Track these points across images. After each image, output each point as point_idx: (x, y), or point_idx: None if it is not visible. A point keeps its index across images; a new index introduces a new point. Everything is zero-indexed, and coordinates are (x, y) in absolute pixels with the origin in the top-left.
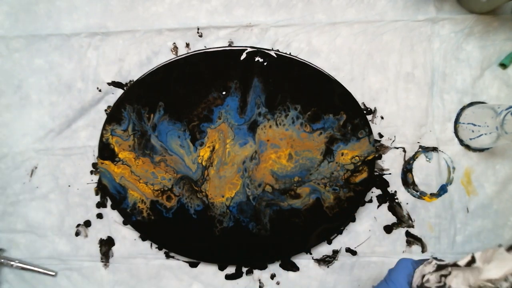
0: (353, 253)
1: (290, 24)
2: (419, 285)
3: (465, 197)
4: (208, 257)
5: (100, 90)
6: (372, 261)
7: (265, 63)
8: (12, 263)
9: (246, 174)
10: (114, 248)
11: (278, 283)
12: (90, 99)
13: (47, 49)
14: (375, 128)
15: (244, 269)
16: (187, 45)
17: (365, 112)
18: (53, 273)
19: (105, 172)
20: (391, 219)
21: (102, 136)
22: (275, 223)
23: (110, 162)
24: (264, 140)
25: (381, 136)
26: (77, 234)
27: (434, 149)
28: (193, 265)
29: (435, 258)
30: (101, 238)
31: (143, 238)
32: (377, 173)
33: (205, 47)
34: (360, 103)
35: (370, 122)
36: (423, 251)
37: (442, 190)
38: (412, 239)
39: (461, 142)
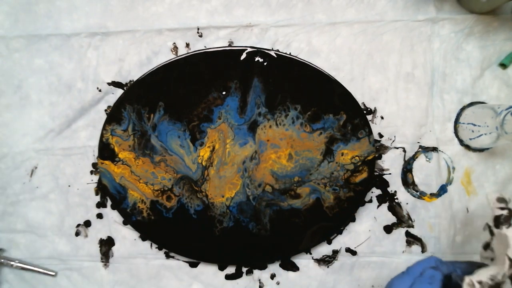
0: (353, 253)
1: (290, 24)
2: None
3: (465, 197)
4: (208, 257)
5: (100, 90)
6: (372, 261)
7: (265, 63)
8: (12, 263)
9: (246, 174)
10: (114, 248)
11: (278, 283)
12: (90, 99)
13: (47, 49)
14: (375, 128)
15: (244, 269)
16: (187, 45)
17: (365, 112)
18: (53, 273)
19: (105, 172)
20: (391, 219)
21: (102, 136)
22: (275, 223)
23: (110, 162)
24: (264, 140)
25: (381, 136)
26: (77, 234)
27: (434, 149)
28: (193, 265)
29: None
30: (101, 238)
31: (143, 238)
32: (377, 173)
33: (205, 47)
34: (360, 103)
35: (370, 122)
36: (423, 251)
37: (442, 190)
38: (412, 239)
39: (461, 142)
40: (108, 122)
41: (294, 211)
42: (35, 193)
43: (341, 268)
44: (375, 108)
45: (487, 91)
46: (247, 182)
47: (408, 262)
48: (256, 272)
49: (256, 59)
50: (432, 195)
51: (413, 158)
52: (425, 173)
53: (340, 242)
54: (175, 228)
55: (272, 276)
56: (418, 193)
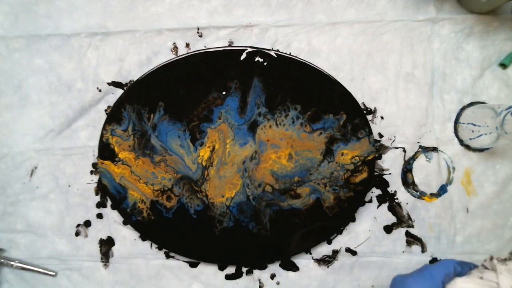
0: (353, 253)
1: (290, 24)
2: None
3: (465, 197)
4: (208, 257)
5: (100, 90)
6: (372, 261)
7: (265, 63)
8: (12, 263)
9: (246, 174)
10: (114, 248)
11: (278, 283)
12: (90, 99)
13: (47, 49)
14: (375, 128)
15: (244, 269)
16: (187, 45)
17: (365, 112)
18: (53, 273)
19: (105, 172)
20: (391, 219)
21: (102, 136)
22: (275, 223)
23: (110, 162)
24: (264, 140)
25: (381, 136)
26: (77, 234)
27: (434, 149)
28: (193, 265)
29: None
30: (101, 238)
31: (143, 238)
32: (377, 173)
33: (205, 47)
34: (360, 103)
35: (370, 122)
36: (423, 251)
37: (442, 190)
38: (412, 239)
39: (461, 142)
40: (108, 122)
41: (294, 211)
42: (35, 193)
43: (341, 268)
44: (375, 108)
45: (487, 91)
46: (247, 182)
47: (408, 262)
48: (256, 272)
49: (256, 59)
50: (432, 195)
51: (413, 158)
52: (425, 173)
53: (340, 242)
54: (175, 228)
55: (272, 276)
56: (418, 193)
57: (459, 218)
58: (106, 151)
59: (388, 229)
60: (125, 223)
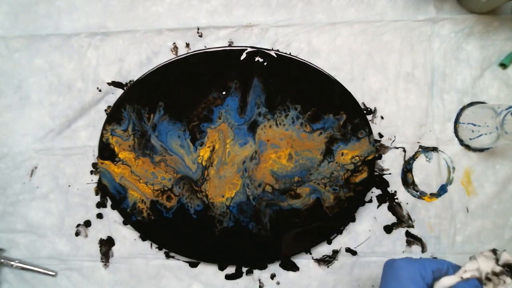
0: (353, 253)
1: (290, 24)
2: None
3: (465, 197)
4: (208, 257)
5: (100, 90)
6: (372, 261)
7: (265, 63)
8: (12, 263)
9: (246, 174)
10: (114, 248)
11: (278, 283)
12: (90, 99)
13: (47, 49)
14: (375, 128)
15: (244, 269)
16: (187, 45)
17: (365, 112)
18: (53, 273)
19: (105, 172)
20: (391, 219)
21: (102, 136)
22: (275, 223)
23: (110, 162)
24: (264, 140)
25: (381, 136)
26: (77, 234)
27: (434, 149)
28: (193, 265)
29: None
30: (101, 238)
31: (143, 238)
32: (377, 173)
33: (205, 47)
34: (360, 103)
35: (370, 122)
36: (423, 251)
37: (442, 190)
38: (412, 239)
39: (461, 142)
40: (108, 122)
41: (294, 211)
42: (35, 193)
43: (341, 268)
44: (375, 108)
45: (487, 91)
46: (247, 182)
47: None
48: (256, 272)
49: (256, 59)
50: (432, 195)
51: (413, 158)
52: (425, 173)
53: (340, 242)
54: (175, 228)
55: (272, 276)
56: (418, 193)
57: (459, 218)
58: (106, 151)
59: (388, 229)
60: (125, 223)
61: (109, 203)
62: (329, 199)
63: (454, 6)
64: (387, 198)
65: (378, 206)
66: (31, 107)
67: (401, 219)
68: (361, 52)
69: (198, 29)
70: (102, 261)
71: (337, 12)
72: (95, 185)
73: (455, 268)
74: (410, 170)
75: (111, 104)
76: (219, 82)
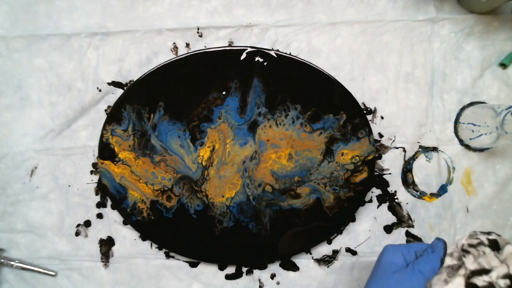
0: (353, 253)
1: (290, 24)
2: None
3: (465, 197)
4: (208, 257)
5: (100, 90)
6: (372, 261)
7: (265, 63)
8: (12, 263)
9: (246, 174)
10: (114, 248)
11: (278, 283)
12: (90, 99)
13: (47, 49)
14: (375, 128)
15: (244, 269)
16: (187, 45)
17: (365, 112)
18: (53, 273)
19: (105, 172)
20: (391, 219)
21: (102, 136)
22: (275, 223)
23: (110, 162)
24: (264, 140)
25: (381, 136)
26: (77, 234)
27: (434, 149)
28: (193, 265)
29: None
30: (101, 238)
31: (143, 238)
32: (377, 173)
33: (205, 47)
34: (360, 103)
35: (370, 122)
36: None
37: (442, 190)
38: (412, 239)
39: (461, 142)
40: (108, 122)
41: (294, 211)
42: (35, 193)
43: (341, 268)
44: (375, 108)
45: (487, 91)
46: (247, 182)
47: None
48: (256, 272)
49: (256, 59)
50: (432, 195)
51: (413, 158)
52: (425, 173)
53: (340, 242)
54: (175, 228)
55: (272, 276)
56: (418, 193)
57: (459, 218)
58: (106, 151)
59: (388, 229)
60: (125, 223)
61: (109, 203)
62: (329, 199)
63: (454, 6)
64: (387, 198)
65: (378, 206)
66: (31, 107)
67: (401, 219)
68: (361, 52)
69: (198, 29)
70: (102, 261)
71: (337, 12)
72: (95, 185)
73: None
74: (410, 170)
75: (111, 104)
76: (219, 82)
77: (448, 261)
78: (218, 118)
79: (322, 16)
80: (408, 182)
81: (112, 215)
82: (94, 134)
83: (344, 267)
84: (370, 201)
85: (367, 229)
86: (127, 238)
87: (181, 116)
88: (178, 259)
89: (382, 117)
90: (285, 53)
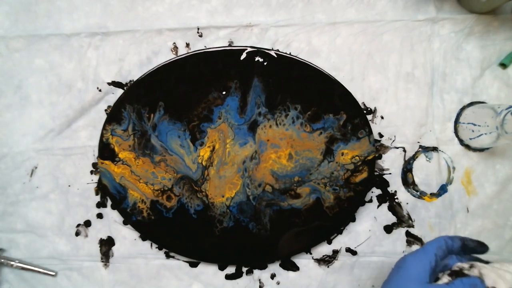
0: (353, 253)
1: (290, 24)
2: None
3: (465, 197)
4: (208, 257)
5: (100, 90)
6: (372, 261)
7: (265, 63)
8: (12, 263)
9: (246, 174)
10: (114, 248)
11: (278, 283)
12: (90, 99)
13: (47, 49)
14: (375, 128)
15: (244, 269)
16: (187, 45)
17: (365, 112)
18: (53, 273)
19: (105, 172)
20: (391, 219)
21: (102, 136)
22: (275, 223)
23: (110, 162)
24: (264, 140)
25: (381, 136)
26: (77, 234)
27: (434, 149)
28: (193, 265)
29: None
30: (101, 238)
31: (143, 238)
32: (377, 173)
33: (205, 47)
34: (360, 103)
35: (370, 122)
36: None
37: (442, 190)
38: (412, 239)
39: (461, 142)
40: (108, 122)
41: (294, 211)
42: (35, 193)
43: (341, 268)
44: (375, 108)
45: (487, 91)
46: (247, 182)
47: None
48: (256, 272)
49: (256, 59)
50: (432, 195)
51: (413, 158)
52: (425, 173)
53: (340, 242)
54: (175, 228)
55: (272, 276)
56: (418, 193)
57: (459, 218)
58: (106, 151)
59: (388, 229)
60: (125, 223)
61: (109, 203)
62: (329, 199)
63: (454, 6)
64: (387, 198)
65: (378, 206)
66: (31, 107)
67: (401, 219)
68: (361, 52)
69: (198, 29)
70: (102, 261)
71: (337, 12)
72: (95, 185)
73: (452, 239)
74: (410, 170)
75: (111, 104)
76: (219, 82)
77: None
78: (218, 118)
79: (322, 16)
80: (408, 182)
81: (112, 215)
82: (94, 134)
83: (344, 267)
84: (370, 201)
85: (367, 229)
86: (127, 238)
87: (181, 116)
88: (178, 259)
89: (382, 117)
90: (285, 53)
